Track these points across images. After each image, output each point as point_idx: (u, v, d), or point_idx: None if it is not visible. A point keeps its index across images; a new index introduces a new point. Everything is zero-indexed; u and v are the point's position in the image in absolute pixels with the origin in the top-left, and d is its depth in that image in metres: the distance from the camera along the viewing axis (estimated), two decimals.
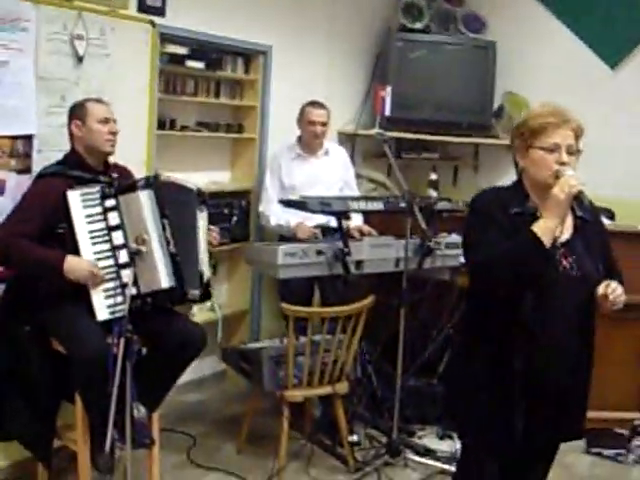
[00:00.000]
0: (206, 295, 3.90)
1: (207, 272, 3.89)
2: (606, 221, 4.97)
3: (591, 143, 5.76)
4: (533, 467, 2.96)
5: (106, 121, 3.77)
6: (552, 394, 2.72)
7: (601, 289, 2.67)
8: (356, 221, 5.02)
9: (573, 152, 2.67)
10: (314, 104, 5.13)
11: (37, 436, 3.86)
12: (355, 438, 4.62)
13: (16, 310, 3.76)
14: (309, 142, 5.16)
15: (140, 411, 3.65)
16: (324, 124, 5.11)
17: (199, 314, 5.19)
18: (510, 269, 2.58)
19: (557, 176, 2.60)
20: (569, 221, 2.74)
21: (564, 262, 2.70)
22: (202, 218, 3.91)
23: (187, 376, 5.26)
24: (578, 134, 2.71)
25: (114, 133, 3.79)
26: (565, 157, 2.63)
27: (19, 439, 3.90)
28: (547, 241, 2.57)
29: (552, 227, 2.58)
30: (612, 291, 2.64)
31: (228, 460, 4.43)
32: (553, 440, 2.91)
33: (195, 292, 3.73)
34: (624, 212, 5.50)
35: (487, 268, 2.65)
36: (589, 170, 5.66)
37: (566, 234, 2.73)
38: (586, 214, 2.75)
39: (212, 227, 4.00)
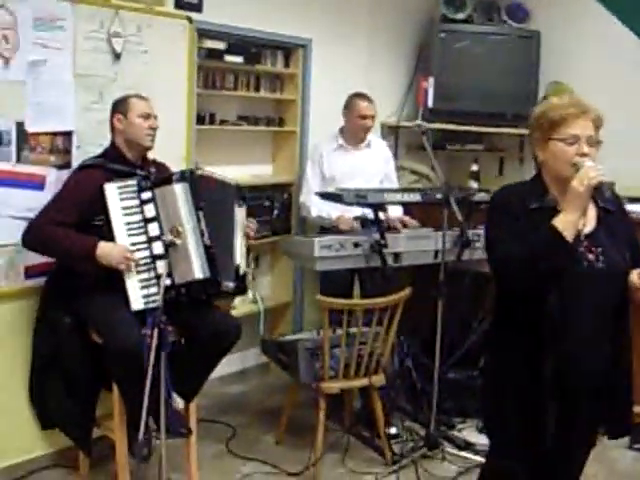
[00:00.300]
0: (242, 289, 3.97)
1: (243, 265, 3.94)
2: None
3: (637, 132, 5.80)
4: (564, 469, 2.87)
5: (147, 116, 3.88)
6: (586, 393, 2.66)
7: (633, 277, 2.62)
8: (396, 213, 5.01)
9: (593, 143, 2.61)
10: (362, 96, 5.12)
11: (77, 425, 3.98)
12: (394, 430, 4.61)
13: (56, 301, 3.89)
14: (356, 135, 5.15)
15: (176, 401, 3.69)
16: (373, 117, 5.11)
17: (241, 306, 5.26)
18: (531, 265, 2.54)
19: (577, 168, 2.54)
20: (592, 212, 2.69)
21: (589, 255, 2.64)
22: (240, 212, 3.98)
23: (230, 367, 5.41)
24: (598, 125, 2.65)
25: (154, 128, 3.90)
26: (585, 148, 2.58)
27: (61, 427, 4.04)
28: (569, 235, 2.52)
29: (573, 220, 2.52)
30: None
31: (266, 451, 4.46)
32: (586, 440, 2.86)
33: (229, 284, 3.76)
34: None
35: (507, 265, 2.62)
36: (633, 160, 5.70)
37: (589, 226, 2.68)
38: (609, 204, 2.68)
39: (250, 220, 4.06)
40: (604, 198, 2.59)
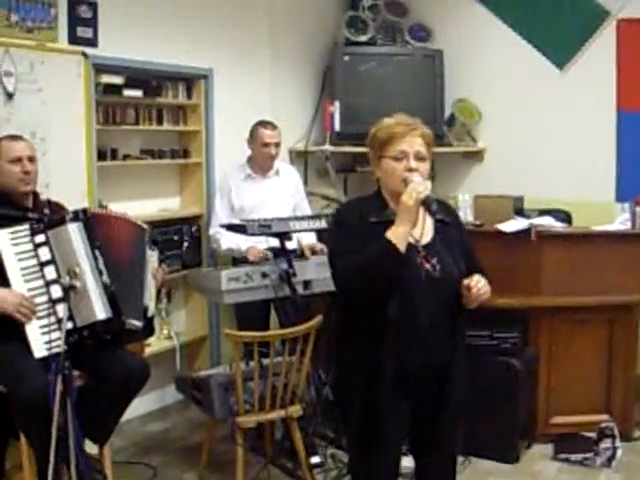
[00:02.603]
0: (150, 331, 3.92)
1: (152, 308, 3.90)
2: (559, 224, 5.01)
3: (544, 144, 5.92)
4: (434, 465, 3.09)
5: (19, 160, 3.72)
6: (428, 387, 2.86)
7: (466, 280, 2.80)
8: (309, 240, 4.98)
9: (423, 158, 2.80)
10: (265, 124, 5.08)
11: None
12: (317, 459, 4.55)
13: None
14: (262, 163, 5.11)
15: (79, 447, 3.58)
16: (278, 144, 5.07)
17: (157, 343, 5.17)
18: (367, 275, 2.69)
19: (406, 183, 2.73)
20: (429, 224, 2.87)
21: (426, 264, 2.81)
22: (152, 257, 3.95)
23: (149, 406, 5.32)
24: (428, 141, 2.83)
25: (27, 172, 3.73)
26: (413, 163, 2.76)
27: None
28: (402, 246, 2.69)
29: (404, 232, 2.69)
30: (475, 283, 2.77)
31: None
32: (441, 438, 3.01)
33: (133, 322, 3.69)
34: (580, 214, 5.47)
35: (345, 276, 2.78)
36: (544, 172, 5.82)
37: (426, 237, 2.86)
38: (446, 217, 2.88)
39: (163, 267, 4.07)
40: (432, 211, 2.75)
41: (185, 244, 5.34)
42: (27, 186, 3.75)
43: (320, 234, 5.06)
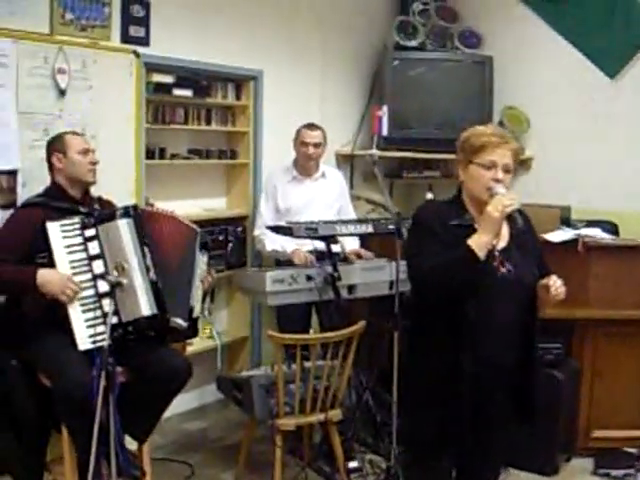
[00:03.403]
0: (193, 331, 3.95)
1: (197, 309, 3.93)
2: (607, 235, 4.95)
3: (592, 154, 5.85)
4: (483, 467, 3.15)
5: (86, 152, 3.84)
6: (499, 388, 2.93)
7: (544, 280, 2.89)
8: (353, 245, 4.98)
9: (509, 170, 2.87)
10: (309, 126, 5.11)
11: (28, 470, 3.88)
12: (355, 464, 4.54)
13: (3, 344, 3.79)
14: (303, 163, 5.12)
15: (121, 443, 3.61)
16: (317, 145, 5.07)
17: (199, 342, 5.18)
18: (447, 279, 2.78)
19: (491, 194, 2.80)
20: (505, 230, 2.95)
21: (502, 268, 2.89)
22: (202, 260, 3.99)
23: (189, 404, 5.34)
24: (516, 156, 2.92)
25: (94, 163, 3.87)
26: (500, 174, 2.83)
27: (10, 473, 3.92)
28: (482, 254, 2.77)
29: (487, 241, 2.78)
30: (554, 282, 2.86)
31: None
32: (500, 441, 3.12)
33: (179, 321, 3.71)
34: (628, 225, 5.40)
35: (426, 278, 2.84)
36: (592, 182, 5.75)
37: (503, 242, 2.94)
38: (523, 226, 2.90)
39: (212, 272, 4.12)
40: (517, 226, 2.85)
41: (230, 244, 5.36)
42: (94, 177, 3.87)
43: (363, 239, 5.06)
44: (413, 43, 6.13)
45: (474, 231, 2.81)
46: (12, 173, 4.02)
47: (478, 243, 2.76)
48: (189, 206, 5.14)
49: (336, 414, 4.23)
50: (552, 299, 2.88)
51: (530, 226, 3.07)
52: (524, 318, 2.94)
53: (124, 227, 3.64)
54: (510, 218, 2.81)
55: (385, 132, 5.94)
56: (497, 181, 2.81)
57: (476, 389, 2.86)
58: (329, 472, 4.50)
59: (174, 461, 4.65)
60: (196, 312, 3.91)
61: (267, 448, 4.53)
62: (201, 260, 3.98)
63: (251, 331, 5.69)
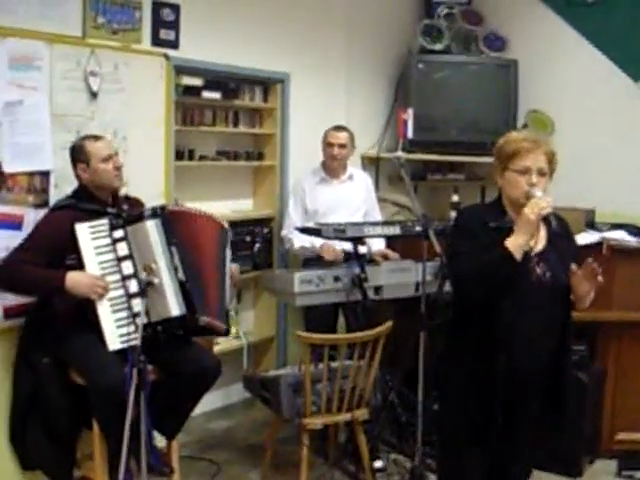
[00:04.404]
0: (227, 329, 4.00)
1: (228, 306, 4.00)
2: (632, 238, 4.96)
3: (616, 157, 5.86)
4: (515, 465, 3.20)
5: (109, 158, 3.85)
6: (531, 388, 3.01)
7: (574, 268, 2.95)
8: (379, 246, 5.02)
9: (544, 174, 2.94)
10: (336, 127, 5.17)
11: (58, 465, 3.95)
12: (380, 464, 4.58)
13: (35, 342, 3.87)
14: (329, 164, 5.17)
15: (151, 440, 3.67)
16: (342, 146, 5.11)
17: (225, 342, 5.23)
18: (484, 280, 2.87)
19: (528, 197, 2.87)
20: (543, 233, 3.02)
21: (537, 270, 2.96)
22: (228, 255, 4.04)
23: (214, 403, 5.38)
24: (550, 158, 2.97)
25: (119, 168, 3.88)
26: (534, 179, 2.90)
27: (42, 468, 4.00)
28: (518, 255, 2.84)
29: (522, 243, 2.85)
30: (590, 262, 2.90)
31: None
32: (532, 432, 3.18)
33: (205, 318, 3.76)
34: None
35: (466, 278, 2.93)
36: (616, 186, 5.75)
37: (540, 245, 3.01)
38: (558, 228, 2.94)
39: (235, 265, 4.15)
40: (552, 227, 2.90)
41: (257, 245, 5.40)
42: (120, 180, 3.91)
43: (390, 241, 5.09)
44: (438, 46, 6.14)
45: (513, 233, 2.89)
46: (45, 174, 4.08)
47: (514, 245, 2.83)
48: (216, 207, 5.17)
49: (362, 414, 4.26)
50: (589, 282, 2.92)
51: (567, 229, 3.14)
52: (559, 320, 3.02)
53: (152, 228, 3.70)
54: (546, 220, 2.86)
55: (410, 135, 5.97)
56: (532, 185, 2.88)
57: (508, 388, 2.93)
58: (354, 471, 4.54)
59: (200, 459, 4.70)
60: (228, 309, 3.97)
61: (292, 448, 4.58)
62: (228, 255, 4.03)
63: (277, 331, 5.73)
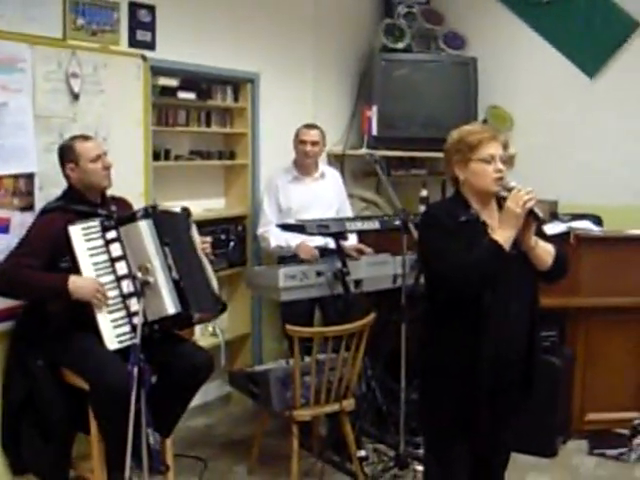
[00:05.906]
0: (223, 307, 4.08)
1: (215, 286, 4.05)
2: (593, 227, 5.15)
3: (574, 151, 6.06)
4: (497, 451, 3.31)
5: (98, 158, 3.87)
6: (512, 372, 3.07)
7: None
8: (351, 241, 5.11)
9: (505, 161, 3.02)
10: (308, 125, 5.26)
11: (53, 467, 3.93)
12: (363, 453, 4.63)
13: (28, 344, 3.86)
14: (301, 162, 5.25)
15: (155, 438, 3.70)
16: (314, 143, 5.19)
17: (202, 339, 5.26)
18: (480, 273, 2.90)
19: (507, 189, 2.94)
20: (494, 206, 3.08)
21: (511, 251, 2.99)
22: (194, 234, 4.08)
23: (193, 401, 5.34)
24: (505, 146, 3.06)
25: (108, 167, 3.90)
26: (500, 165, 2.97)
27: (35, 471, 3.98)
28: (508, 248, 2.90)
29: (510, 236, 2.91)
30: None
31: None
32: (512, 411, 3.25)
33: (198, 315, 3.83)
34: (610, 218, 5.63)
35: (457, 274, 2.92)
36: (574, 178, 5.95)
37: (495, 221, 3.03)
38: (545, 218, 3.05)
39: (203, 238, 4.16)
40: (539, 219, 2.95)
41: (231, 243, 5.44)
42: (109, 180, 3.92)
43: (361, 236, 5.19)
44: (400, 45, 6.27)
45: (481, 224, 2.99)
46: (29, 176, 4.06)
47: (503, 238, 2.88)
48: (190, 206, 5.20)
49: (349, 404, 4.36)
50: (527, 229, 2.95)
51: None
52: (531, 299, 3.10)
53: (145, 228, 3.73)
54: (532, 214, 2.90)
55: (375, 132, 6.08)
56: (499, 171, 2.95)
57: (492, 375, 2.98)
58: (339, 462, 4.62)
59: (187, 457, 4.71)
60: (216, 289, 4.03)
61: (276, 442, 4.67)
62: (194, 234, 4.08)
63: (252, 328, 5.78)
